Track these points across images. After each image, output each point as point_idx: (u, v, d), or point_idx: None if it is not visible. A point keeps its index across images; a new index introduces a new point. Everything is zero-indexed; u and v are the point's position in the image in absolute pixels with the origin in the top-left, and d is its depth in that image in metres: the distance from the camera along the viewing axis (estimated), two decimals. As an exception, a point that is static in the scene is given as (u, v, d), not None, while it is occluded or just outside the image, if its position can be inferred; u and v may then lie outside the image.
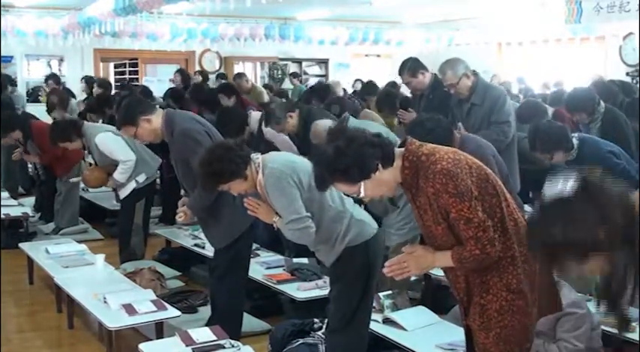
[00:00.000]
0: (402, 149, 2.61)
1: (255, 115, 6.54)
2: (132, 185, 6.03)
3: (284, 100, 11.32)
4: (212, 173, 3.55)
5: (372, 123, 5.05)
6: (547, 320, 3.72)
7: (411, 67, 5.79)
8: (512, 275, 2.57)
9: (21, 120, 7.84)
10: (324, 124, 4.74)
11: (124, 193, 6.12)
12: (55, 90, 10.90)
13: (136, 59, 14.57)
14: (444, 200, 2.49)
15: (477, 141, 4.64)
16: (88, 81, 11.76)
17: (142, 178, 6.03)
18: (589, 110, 5.52)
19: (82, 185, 8.66)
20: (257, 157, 3.58)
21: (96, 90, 10.00)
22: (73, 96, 11.21)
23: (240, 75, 10.50)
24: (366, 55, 16.16)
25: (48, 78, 12.15)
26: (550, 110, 6.91)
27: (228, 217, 4.34)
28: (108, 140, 6.08)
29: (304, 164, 3.59)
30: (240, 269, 4.53)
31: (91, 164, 10.79)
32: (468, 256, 2.53)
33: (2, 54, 12.74)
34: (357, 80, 13.44)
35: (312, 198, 3.46)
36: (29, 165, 8.23)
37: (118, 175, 5.96)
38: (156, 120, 4.43)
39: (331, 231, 3.50)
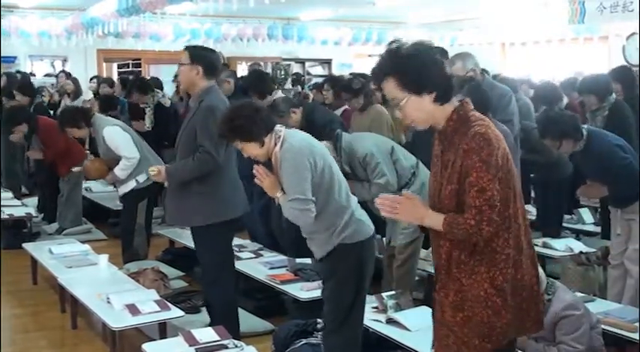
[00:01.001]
0: (457, 103, 2.60)
1: (281, 93, 6.65)
2: (132, 183, 6.02)
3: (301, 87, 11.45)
4: (232, 127, 3.52)
5: (365, 139, 5.02)
6: (545, 324, 3.70)
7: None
8: (500, 271, 2.53)
9: (28, 114, 7.85)
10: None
11: (122, 190, 6.12)
12: (73, 79, 11.03)
13: (139, 59, 14.58)
14: (471, 161, 2.47)
15: (503, 128, 4.65)
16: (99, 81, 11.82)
17: (142, 178, 6.00)
18: (600, 94, 5.45)
19: (85, 184, 8.71)
20: (280, 129, 3.55)
21: (103, 89, 10.00)
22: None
23: (259, 64, 10.58)
24: (369, 56, 16.10)
25: (60, 72, 12.20)
26: (565, 100, 7.08)
27: (197, 203, 4.30)
28: (116, 134, 6.07)
29: (322, 149, 3.59)
30: (228, 270, 4.51)
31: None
32: (461, 223, 2.48)
33: (6, 54, 12.79)
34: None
35: (321, 184, 3.46)
36: (30, 164, 8.22)
37: (119, 171, 5.95)
38: (202, 80, 4.35)
39: (330, 222, 3.49)
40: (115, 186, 6.36)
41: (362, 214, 3.62)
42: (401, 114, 2.64)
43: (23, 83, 8.07)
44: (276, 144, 3.49)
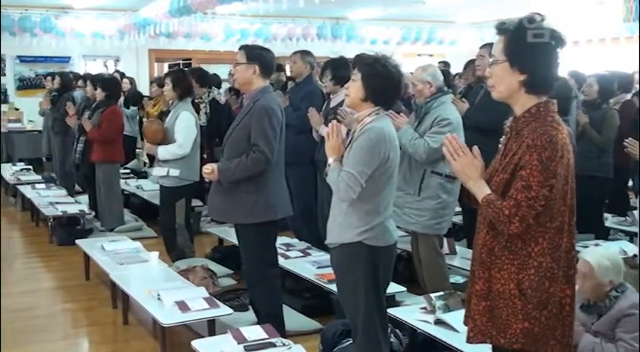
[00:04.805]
0: (543, 100, 2.56)
1: None
2: (163, 170, 6.04)
3: None
4: (373, 71, 3.40)
5: (457, 113, 5.09)
6: (607, 320, 3.66)
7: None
8: (528, 276, 2.49)
9: (119, 89, 8.25)
10: None
11: (155, 172, 6.32)
12: (130, 78, 11.40)
13: (190, 59, 14.74)
14: (530, 158, 2.42)
15: (567, 128, 4.63)
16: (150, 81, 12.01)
17: (174, 173, 6.01)
18: None
19: (136, 182, 8.82)
20: (386, 113, 3.50)
21: (155, 90, 10.14)
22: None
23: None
24: (419, 55, 16.05)
25: (115, 72, 12.42)
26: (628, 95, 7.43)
27: (241, 200, 4.29)
28: (188, 122, 6.10)
29: (398, 155, 3.53)
30: (272, 270, 4.50)
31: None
32: (497, 206, 2.46)
33: (61, 55, 13.08)
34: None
35: (377, 179, 3.40)
36: (77, 155, 8.29)
37: (163, 149, 6.02)
38: (258, 79, 4.36)
39: (359, 216, 3.42)
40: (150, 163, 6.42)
41: (391, 224, 3.55)
42: (487, 72, 2.63)
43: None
44: (369, 116, 3.42)
